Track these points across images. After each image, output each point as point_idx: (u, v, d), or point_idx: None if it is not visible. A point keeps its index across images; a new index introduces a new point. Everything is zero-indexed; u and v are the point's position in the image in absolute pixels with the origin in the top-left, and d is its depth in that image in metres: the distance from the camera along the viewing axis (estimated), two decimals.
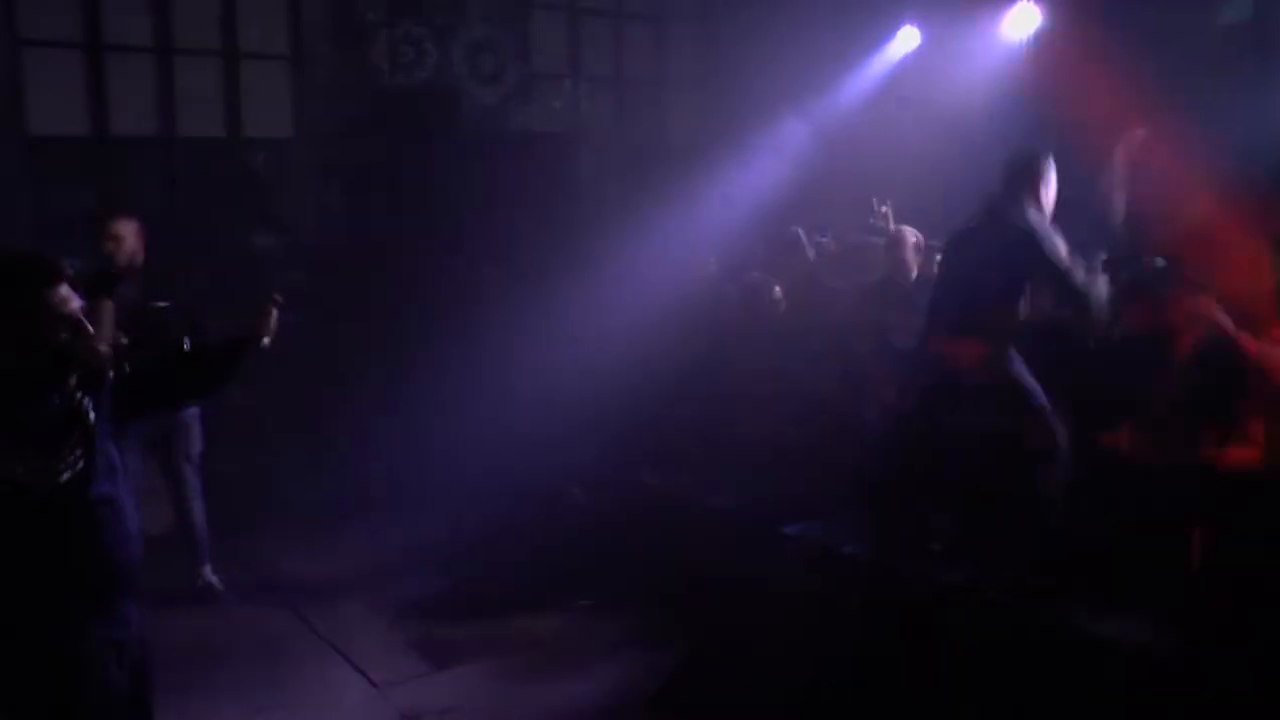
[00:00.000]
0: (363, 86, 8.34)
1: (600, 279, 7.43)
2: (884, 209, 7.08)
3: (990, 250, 4.82)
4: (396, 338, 7.78)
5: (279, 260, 7.90)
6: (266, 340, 3.28)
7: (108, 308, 4.69)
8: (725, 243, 7.91)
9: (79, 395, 2.74)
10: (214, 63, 7.85)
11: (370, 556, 6.57)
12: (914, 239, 6.21)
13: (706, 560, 5.72)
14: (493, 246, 8.28)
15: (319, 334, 7.87)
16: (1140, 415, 4.74)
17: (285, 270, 7.84)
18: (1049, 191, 4.86)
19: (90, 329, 2.76)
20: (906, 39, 8.74)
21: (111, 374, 2.88)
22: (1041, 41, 7.72)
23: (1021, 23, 7.89)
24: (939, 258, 5.56)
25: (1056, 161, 4.92)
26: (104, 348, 2.86)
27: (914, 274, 6.17)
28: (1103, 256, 5.18)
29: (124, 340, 3.03)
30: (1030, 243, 4.70)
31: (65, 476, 2.65)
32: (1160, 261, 5.38)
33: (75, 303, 2.73)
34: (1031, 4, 7.82)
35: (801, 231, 7.32)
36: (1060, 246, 4.68)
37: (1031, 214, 4.77)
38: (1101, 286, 4.76)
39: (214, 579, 6.01)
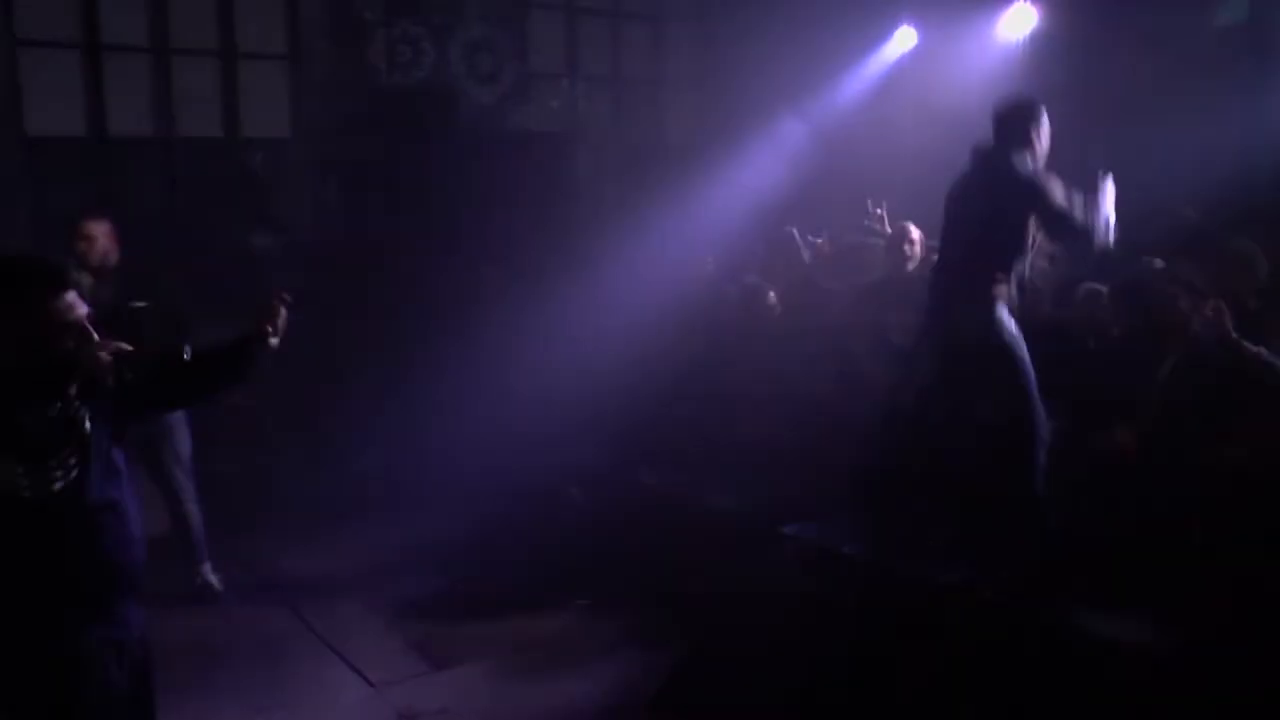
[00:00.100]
0: (360, 86, 8.33)
1: (598, 278, 7.44)
2: (879, 210, 7.09)
3: (985, 202, 4.80)
4: (394, 337, 7.78)
5: (277, 260, 7.89)
6: (274, 340, 3.22)
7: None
8: (723, 243, 7.92)
9: (77, 403, 2.74)
10: (211, 62, 7.84)
11: (368, 556, 6.57)
12: (915, 236, 6.22)
13: (704, 560, 5.72)
14: (490, 246, 8.28)
15: (317, 333, 7.83)
16: (1138, 415, 4.75)
17: (283, 270, 7.83)
18: (1043, 139, 4.83)
19: (95, 336, 2.75)
20: (903, 39, 8.76)
21: (112, 381, 2.87)
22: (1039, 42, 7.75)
23: (1018, 23, 7.91)
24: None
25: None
26: (104, 355, 2.84)
27: (908, 268, 6.19)
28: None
29: (126, 347, 2.99)
30: (1027, 191, 4.68)
31: (59, 484, 2.64)
32: (1158, 262, 5.40)
33: (81, 309, 2.72)
34: (1028, 4, 7.84)
35: (795, 232, 7.33)
36: (1056, 190, 4.65)
37: (1026, 162, 4.75)
38: (1102, 218, 4.72)
39: (213, 578, 6.00)
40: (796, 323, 6.60)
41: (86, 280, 5.34)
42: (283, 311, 3.24)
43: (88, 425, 2.73)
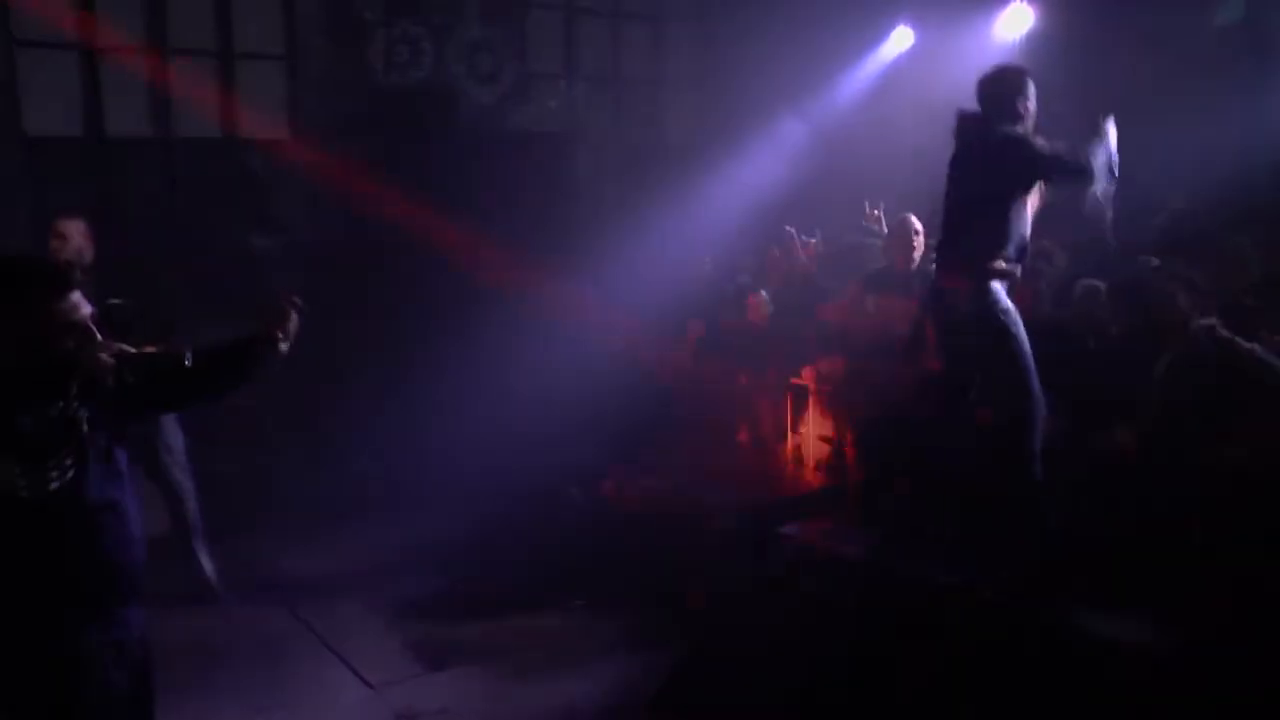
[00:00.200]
0: (359, 86, 8.32)
1: (598, 278, 7.44)
2: (876, 211, 7.10)
3: (974, 176, 4.81)
4: (394, 337, 7.78)
5: (277, 260, 7.88)
6: (285, 345, 3.18)
7: None
8: (722, 242, 7.93)
9: (76, 404, 2.73)
10: (210, 63, 7.83)
11: (368, 556, 6.57)
12: (918, 227, 6.23)
13: (703, 560, 5.73)
14: (491, 245, 8.27)
15: (317, 333, 7.80)
16: (1138, 415, 4.76)
17: (283, 270, 7.82)
18: (1029, 109, 4.83)
19: (98, 337, 2.75)
20: (901, 39, 8.76)
21: (112, 382, 2.84)
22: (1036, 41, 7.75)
23: (1015, 23, 7.91)
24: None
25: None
26: (106, 357, 2.82)
27: (915, 263, 6.19)
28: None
29: (128, 349, 2.97)
30: (1015, 146, 4.68)
31: (55, 485, 2.64)
32: (1154, 261, 5.41)
33: (84, 310, 2.72)
34: (1025, 4, 7.84)
35: (794, 231, 7.33)
36: (1040, 140, 4.67)
37: (1015, 127, 4.75)
38: (1101, 156, 4.71)
39: (212, 574, 5.99)
40: (794, 321, 6.61)
41: None
42: (294, 316, 3.19)
43: (86, 426, 2.72)
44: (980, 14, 8.06)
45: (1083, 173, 4.71)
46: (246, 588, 6.08)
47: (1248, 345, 4.44)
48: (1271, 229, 5.53)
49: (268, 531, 6.74)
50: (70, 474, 2.67)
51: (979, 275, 4.75)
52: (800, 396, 6.26)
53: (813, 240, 7.28)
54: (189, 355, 3.05)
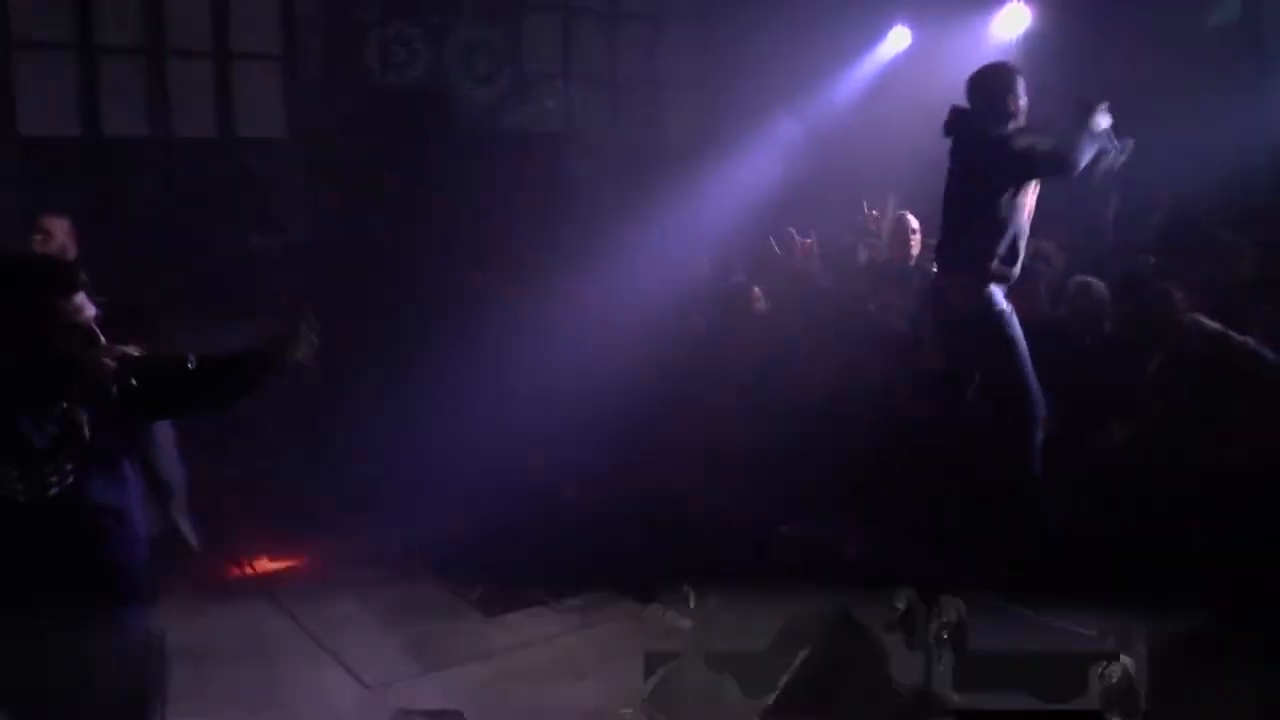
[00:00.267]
0: (356, 86, 8.32)
1: (596, 279, 7.43)
2: (874, 212, 7.10)
3: (966, 178, 4.82)
4: (391, 337, 7.77)
5: (274, 260, 7.88)
6: (303, 357, 3.16)
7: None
8: (720, 242, 7.92)
9: (78, 407, 2.69)
10: (207, 63, 7.82)
11: (364, 556, 6.54)
12: (915, 225, 6.23)
13: (701, 560, 5.72)
14: (488, 246, 8.27)
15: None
16: (1134, 414, 4.76)
17: (281, 270, 7.83)
18: (1020, 106, 4.83)
19: (103, 339, 2.70)
20: (898, 39, 8.76)
21: (116, 385, 2.78)
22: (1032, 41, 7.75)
23: (1012, 23, 7.91)
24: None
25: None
26: (108, 360, 2.78)
27: (912, 260, 6.20)
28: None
29: (132, 352, 2.93)
30: (1006, 145, 4.70)
31: (55, 489, 2.61)
32: (1151, 259, 5.42)
33: (90, 311, 2.68)
34: (1021, 4, 7.84)
35: (794, 231, 7.33)
36: (1024, 137, 4.69)
37: (1006, 125, 4.76)
38: (1087, 139, 4.71)
39: (190, 535, 5.96)
40: (792, 320, 6.61)
41: None
42: (306, 329, 3.17)
43: (87, 430, 2.69)
44: (977, 14, 8.06)
45: (1073, 167, 4.71)
46: (241, 587, 6.07)
47: (1240, 338, 4.45)
48: (1268, 228, 5.54)
49: (263, 530, 6.73)
50: (70, 479, 2.64)
51: (977, 276, 4.76)
52: None
53: (808, 241, 7.28)
54: (192, 359, 3.02)
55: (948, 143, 5.04)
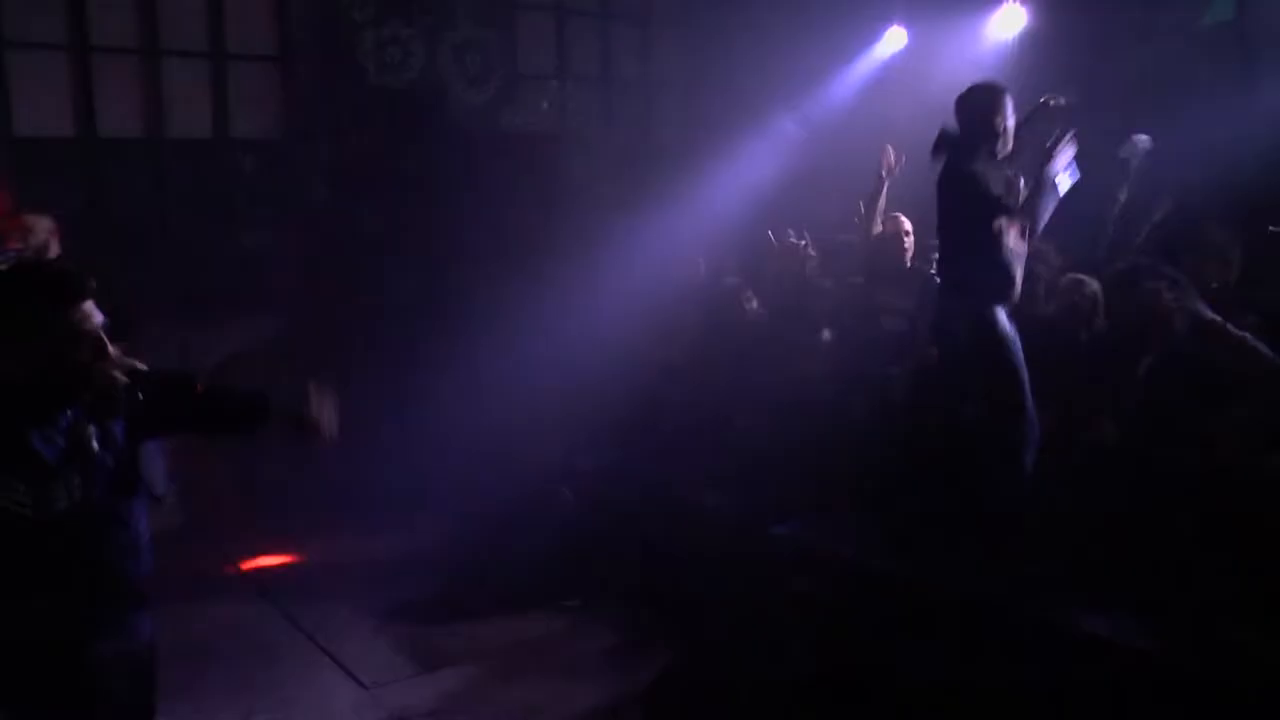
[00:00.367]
0: (351, 87, 8.31)
1: (589, 279, 7.43)
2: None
3: (953, 200, 4.85)
4: (384, 338, 7.77)
5: (267, 260, 7.88)
6: (324, 427, 3.22)
7: None
8: (714, 243, 7.92)
9: (86, 423, 2.65)
10: (201, 63, 7.81)
11: (360, 557, 6.56)
12: (908, 227, 6.24)
13: (697, 560, 5.72)
14: (482, 247, 8.27)
15: (309, 334, 7.85)
16: (1122, 408, 4.78)
17: (274, 270, 7.83)
18: (1007, 126, 4.84)
19: (110, 349, 2.64)
20: (893, 39, 8.76)
21: (124, 400, 2.74)
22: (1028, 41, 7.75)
23: (1008, 23, 7.91)
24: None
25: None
26: (119, 374, 2.72)
27: (908, 262, 6.21)
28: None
29: (140, 366, 2.86)
30: (973, 181, 4.71)
31: (62, 505, 2.58)
32: (1144, 259, 5.42)
33: (98, 319, 2.62)
34: (1017, 4, 7.85)
35: (792, 233, 7.33)
36: (996, 184, 4.70)
37: (981, 158, 4.77)
38: (1035, 202, 4.73)
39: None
40: (789, 320, 6.62)
41: None
42: (331, 425, 3.21)
43: (95, 445, 2.65)
44: (973, 14, 8.06)
45: (1034, 225, 4.76)
46: (237, 588, 6.07)
47: (1238, 332, 4.46)
48: (1260, 226, 5.54)
49: (259, 532, 6.73)
50: (79, 494, 2.60)
51: (976, 296, 4.78)
52: None
53: (802, 242, 7.28)
54: (201, 383, 2.99)
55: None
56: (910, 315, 5.81)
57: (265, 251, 7.93)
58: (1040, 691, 4.21)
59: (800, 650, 4.84)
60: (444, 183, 8.37)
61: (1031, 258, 5.19)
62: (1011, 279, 4.79)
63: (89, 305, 2.61)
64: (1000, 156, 4.83)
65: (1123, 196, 5.94)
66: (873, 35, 8.79)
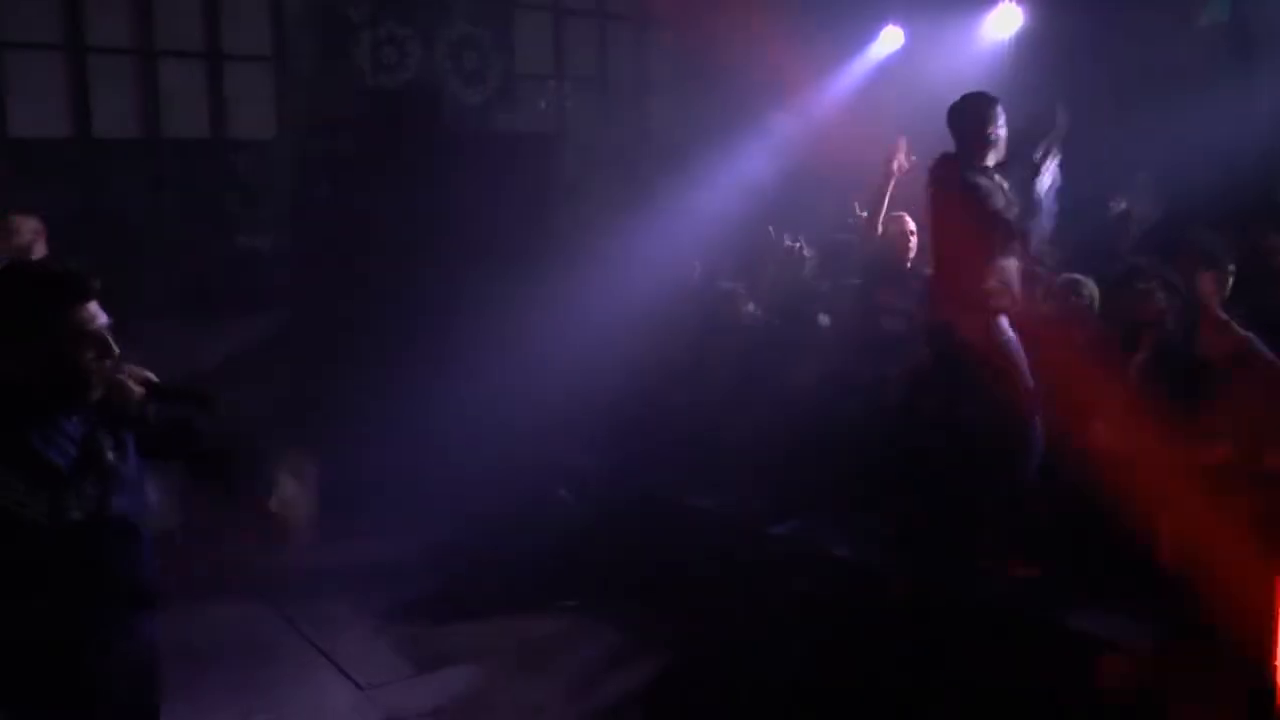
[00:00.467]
0: (347, 86, 8.30)
1: (586, 280, 7.43)
2: (863, 213, 7.10)
3: (954, 210, 4.86)
4: (381, 338, 7.76)
5: (263, 260, 7.87)
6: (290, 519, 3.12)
7: None
8: (710, 245, 7.92)
9: (100, 432, 2.61)
10: (196, 64, 7.80)
11: (355, 557, 6.55)
12: (911, 227, 6.24)
13: (693, 561, 5.72)
14: (478, 247, 8.26)
15: (305, 334, 7.84)
16: (1114, 409, 4.78)
17: (269, 270, 7.82)
18: (999, 135, 4.86)
19: (115, 349, 2.57)
20: (889, 39, 8.76)
21: (138, 410, 2.69)
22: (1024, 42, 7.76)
23: (1004, 23, 7.92)
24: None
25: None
26: (136, 387, 2.68)
27: (909, 261, 6.21)
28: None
29: (152, 377, 2.80)
30: (972, 195, 4.74)
31: (77, 514, 2.52)
32: (1139, 260, 5.43)
33: (102, 319, 2.56)
34: (1013, 4, 7.85)
35: (789, 236, 7.34)
36: (997, 199, 4.73)
37: (975, 170, 4.80)
38: (1030, 215, 4.80)
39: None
40: (787, 322, 6.62)
41: None
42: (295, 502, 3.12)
43: (110, 455, 2.61)
44: (970, 14, 8.07)
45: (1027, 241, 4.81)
46: (233, 589, 6.06)
47: (1243, 331, 4.46)
48: (1254, 228, 5.55)
49: (256, 532, 6.71)
50: (93, 503, 2.55)
51: (979, 308, 4.79)
52: None
53: (797, 245, 7.29)
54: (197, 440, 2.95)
55: (940, 143, 5.05)
56: (909, 315, 5.81)
57: (261, 252, 7.93)
58: (1039, 691, 4.22)
59: (800, 650, 4.84)
60: (440, 183, 8.36)
61: (1029, 261, 5.22)
62: (1010, 289, 4.82)
63: (93, 305, 2.56)
64: (992, 165, 4.86)
65: (1120, 203, 5.97)
66: (869, 35, 8.79)
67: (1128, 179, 6.66)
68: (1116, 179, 6.68)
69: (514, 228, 8.57)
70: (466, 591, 6.07)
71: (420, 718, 4.81)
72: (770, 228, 7.19)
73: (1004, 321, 4.81)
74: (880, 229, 6.33)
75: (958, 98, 4.96)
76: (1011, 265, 4.86)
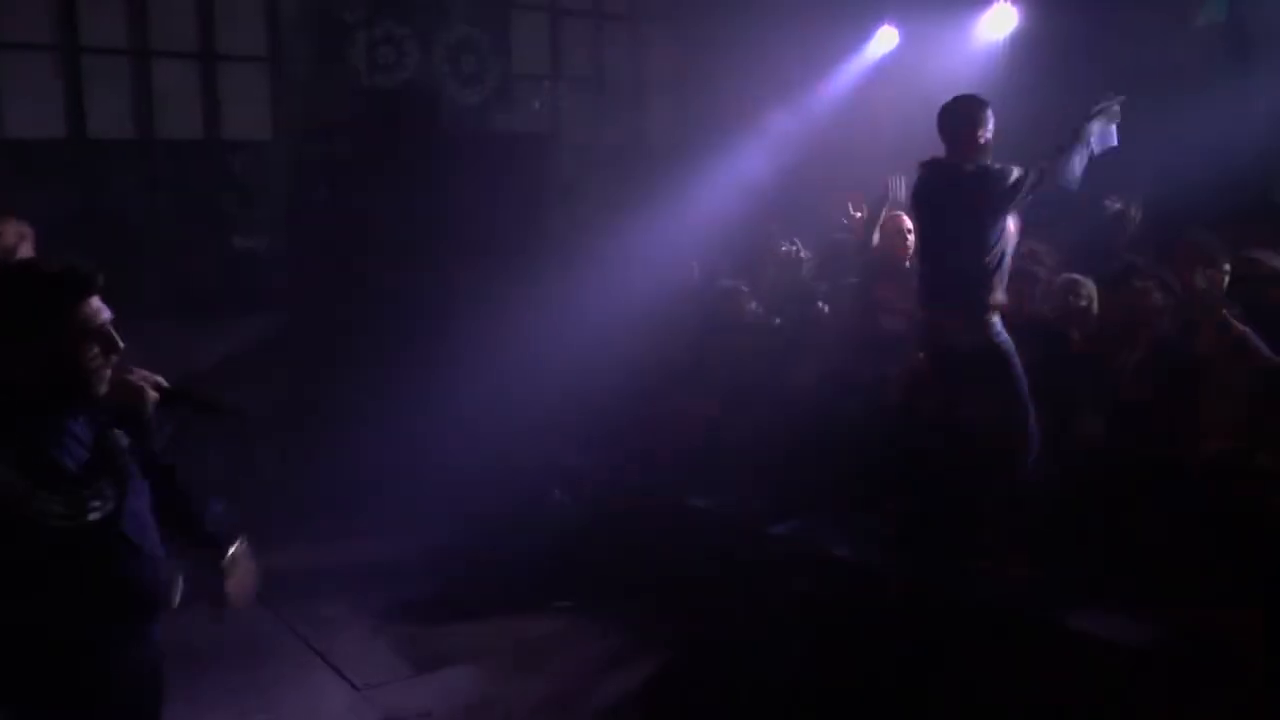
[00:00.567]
0: (343, 87, 8.29)
1: (582, 280, 7.43)
2: (858, 214, 7.10)
3: (951, 217, 4.86)
4: (378, 339, 7.75)
5: (259, 261, 7.86)
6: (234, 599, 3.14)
7: None
8: (708, 244, 7.92)
9: (114, 431, 2.59)
10: (192, 64, 7.79)
11: (352, 558, 6.54)
12: (908, 226, 6.24)
13: (692, 561, 5.72)
14: (475, 248, 8.26)
15: (302, 335, 7.83)
16: (1110, 407, 4.79)
17: (265, 271, 7.81)
18: (988, 138, 4.87)
19: (120, 344, 2.55)
20: (885, 39, 8.77)
21: (151, 414, 2.69)
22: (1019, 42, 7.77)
23: (999, 23, 7.93)
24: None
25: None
26: (150, 389, 2.66)
27: (908, 259, 6.21)
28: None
29: (162, 381, 2.78)
30: (985, 178, 4.76)
31: (95, 515, 2.50)
32: (1136, 260, 5.44)
33: (106, 315, 2.54)
34: (1009, 4, 7.86)
35: (785, 239, 7.35)
36: (1012, 171, 4.75)
37: (978, 160, 4.82)
38: (1062, 165, 4.80)
39: None
40: (785, 321, 6.63)
41: None
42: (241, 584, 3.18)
43: (125, 454, 2.60)
44: (965, 14, 8.07)
45: (1063, 180, 4.80)
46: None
47: (1242, 327, 4.47)
48: (1251, 227, 5.56)
49: (251, 533, 6.68)
50: (110, 504, 2.53)
51: (976, 309, 4.79)
52: None
53: (794, 248, 7.29)
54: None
55: (935, 144, 5.06)
56: (908, 313, 5.81)
57: (258, 253, 7.92)
58: (1039, 691, 4.22)
59: (800, 650, 4.84)
60: (437, 183, 8.35)
61: (1025, 257, 5.21)
62: (1000, 286, 4.84)
63: (96, 301, 2.53)
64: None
65: (1116, 202, 5.97)
66: (864, 34, 8.79)
67: (1124, 179, 6.67)
68: (1112, 179, 6.68)
69: (511, 228, 8.57)
70: (464, 592, 6.05)
71: (418, 718, 4.80)
72: (773, 227, 7.19)
73: (997, 320, 4.81)
74: (876, 240, 6.35)
75: (950, 99, 4.97)
76: (1009, 256, 4.87)
